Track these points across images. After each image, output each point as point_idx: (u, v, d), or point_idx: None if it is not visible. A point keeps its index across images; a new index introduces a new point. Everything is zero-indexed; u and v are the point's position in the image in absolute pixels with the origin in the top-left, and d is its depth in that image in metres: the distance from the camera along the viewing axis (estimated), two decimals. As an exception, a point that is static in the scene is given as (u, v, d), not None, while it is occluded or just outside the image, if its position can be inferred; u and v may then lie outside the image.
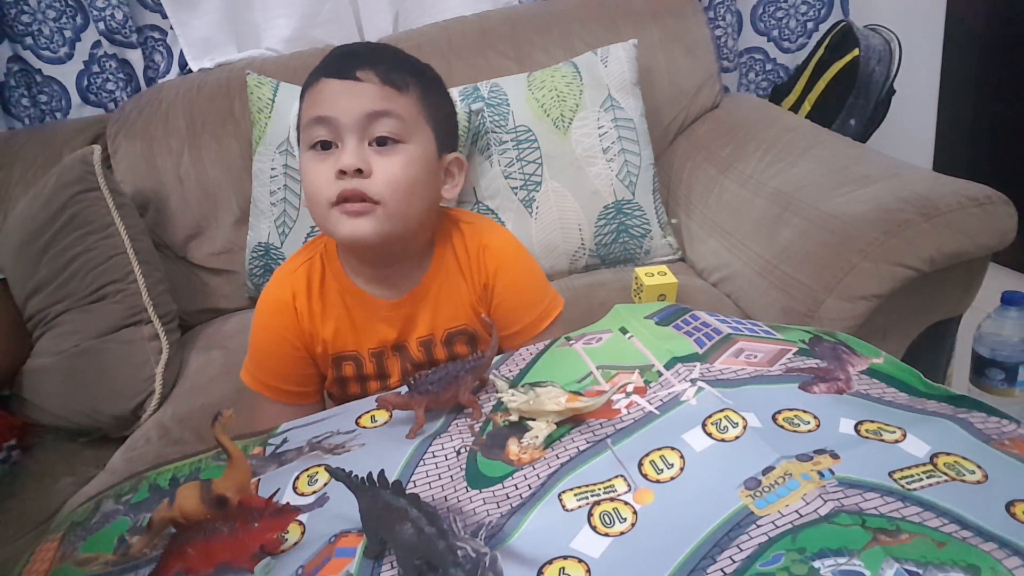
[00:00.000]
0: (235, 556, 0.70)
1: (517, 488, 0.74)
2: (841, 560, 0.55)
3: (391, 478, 0.68)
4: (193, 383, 1.55)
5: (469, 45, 1.91)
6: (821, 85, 2.05)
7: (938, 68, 2.39)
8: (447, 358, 1.13)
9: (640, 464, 0.72)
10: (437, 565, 0.63)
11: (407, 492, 0.66)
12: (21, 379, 1.53)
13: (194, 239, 1.88)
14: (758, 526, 0.61)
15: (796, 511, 0.61)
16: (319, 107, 1.00)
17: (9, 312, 1.57)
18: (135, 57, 2.08)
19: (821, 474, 0.65)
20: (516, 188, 1.70)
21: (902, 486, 0.63)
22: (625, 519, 0.66)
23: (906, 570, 0.53)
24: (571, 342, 1.01)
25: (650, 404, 0.81)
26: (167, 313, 1.61)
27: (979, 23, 2.30)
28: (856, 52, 1.99)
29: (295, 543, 0.72)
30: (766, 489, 0.64)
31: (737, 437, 0.72)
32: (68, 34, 2.07)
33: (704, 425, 0.74)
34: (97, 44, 2.06)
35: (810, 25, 2.19)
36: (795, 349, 0.88)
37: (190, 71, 2.07)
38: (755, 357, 0.87)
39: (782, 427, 0.73)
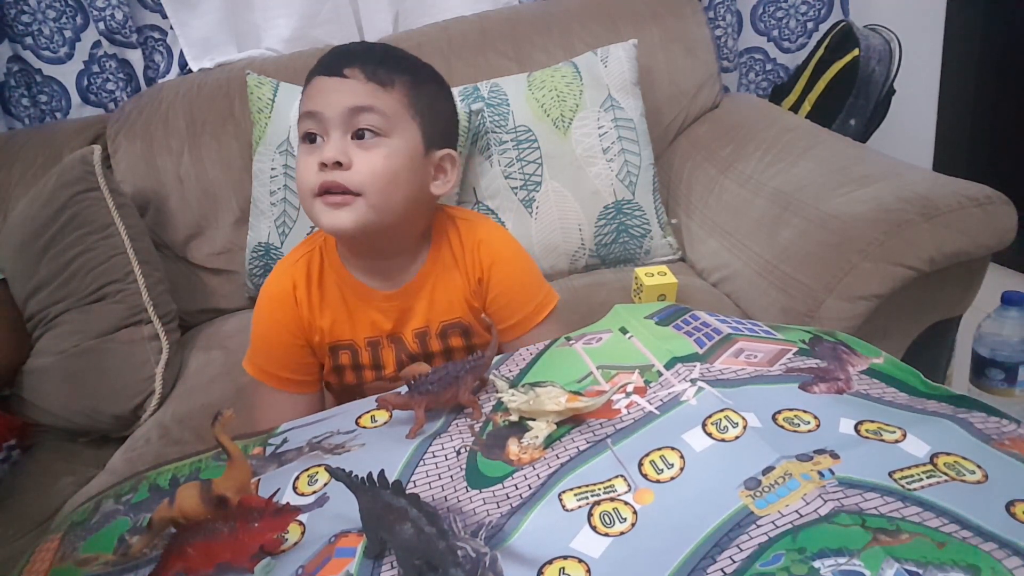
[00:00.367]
0: (235, 556, 0.70)
1: (517, 488, 0.74)
2: (841, 560, 0.55)
3: (391, 478, 0.68)
4: (193, 383, 1.55)
5: (469, 45, 1.91)
6: (821, 85, 2.05)
7: (938, 68, 2.39)
8: (441, 350, 1.15)
9: (640, 464, 0.72)
10: (437, 565, 0.63)
11: (407, 492, 0.66)
12: (21, 379, 1.53)
13: (194, 239, 1.88)
14: (758, 526, 0.61)
15: (796, 511, 0.61)
16: (308, 102, 1.05)
17: (9, 312, 1.57)
18: (135, 57, 2.08)
19: (821, 474, 0.65)
20: (516, 188, 1.70)
21: (902, 486, 0.63)
22: (625, 519, 0.66)
23: (906, 570, 0.53)
24: (571, 342, 1.01)
25: (650, 404, 0.81)
26: (167, 313, 1.61)
27: (979, 23, 2.30)
28: (856, 52, 1.99)
29: (295, 543, 0.72)
30: (766, 489, 0.64)
31: (737, 437, 0.72)
32: (68, 34, 2.07)
33: (704, 425, 0.74)
34: (97, 44, 2.06)
35: (810, 25, 2.19)
36: (795, 349, 0.88)
37: (190, 71, 2.07)
38: (755, 357, 0.87)
39: (782, 427, 0.73)
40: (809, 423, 0.73)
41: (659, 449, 0.73)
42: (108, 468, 1.37)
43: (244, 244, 1.82)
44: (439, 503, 0.74)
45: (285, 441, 0.91)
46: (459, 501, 0.74)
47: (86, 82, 2.13)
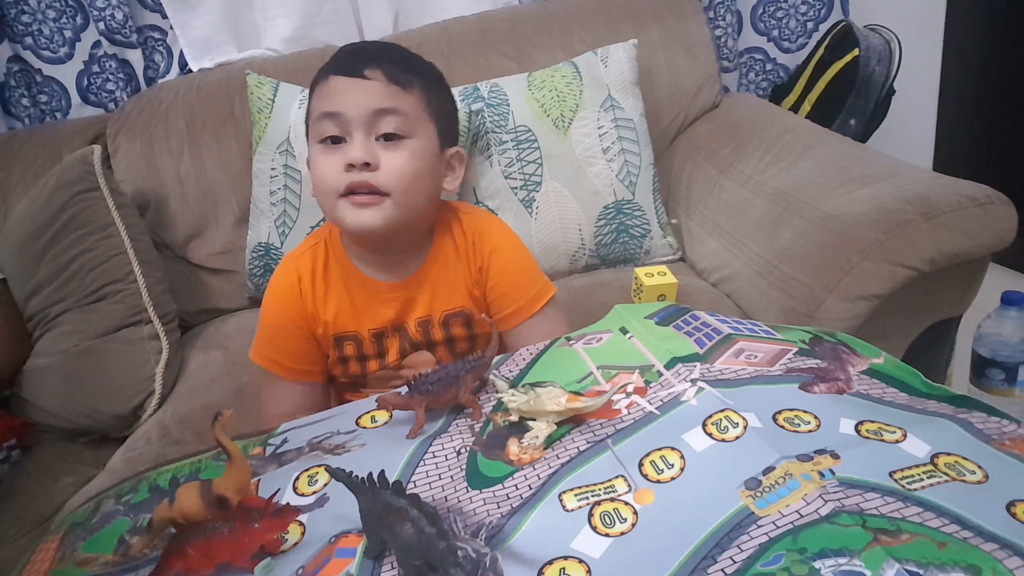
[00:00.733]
0: (235, 556, 0.70)
1: (517, 488, 0.74)
2: (842, 560, 0.55)
3: (391, 478, 0.68)
4: (193, 383, 1.54)
5: (469, 45, 1.90)
6: (821, 85, 2.05)
7: (938, 68, 2.39)
8: (444, 339, 1.16)
9: (640, 464, 0.72)
10: (437, 566, 0.63)
11: (407, 492, 0.66)
12: (21, 379, 1.52)
13: (194, 239, 1.87)
14: (759, 526, 0.61)
15: (797, 511, 0.61)
16: (328, 103, 1.06)
17: (9, 313, 1.57)
18: (135, 57, 2.08)
19: (822, 474, 0.65)
20: (516, 188, 1.70)
21: (903, 486, 0.63)
22: (625, 519, 0.66)
23: (907, 570, 0.53)
24: (571, 342, 1.01)
25: (650, 404, 0.81)
26: (167, 313, 1.61)
27: (979, 23, 2.29)
28: (856, 52, 1.99)
29: (295, 543, 0.72)
30: (766, 489, 0.64)
31: (737, 437, 0.72)
32: (68, 34, 2.07)
33: (704, 425, 0.74)
34: (97, 44, 2.05)
35: (810, 25, 2.18)
36: (795, 349, 0.88)
37: (190, 71, 2.07)
38: (755, 357, 0.87)
39: (782, 427, 0.73)
40: (809, 423, 0.73)
41: (659, 449, 0.73)
42: (108, 468, 1.37)
43: (244, 244, 1.82)
44: (439, 503, 0.74)
45: (285, 441, 0.91)
46: (459, 501, 0.74)
47: (86, 82, 2.13)
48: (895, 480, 0.64)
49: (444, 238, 1.16)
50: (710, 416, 0.75)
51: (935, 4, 2.32)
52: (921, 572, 0.53)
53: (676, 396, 0.81)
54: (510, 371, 0.97)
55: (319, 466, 0.83)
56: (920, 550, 0.55)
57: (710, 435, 0.73)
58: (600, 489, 0.70)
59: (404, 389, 0.89)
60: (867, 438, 0.70)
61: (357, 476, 0.69)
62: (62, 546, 0.81)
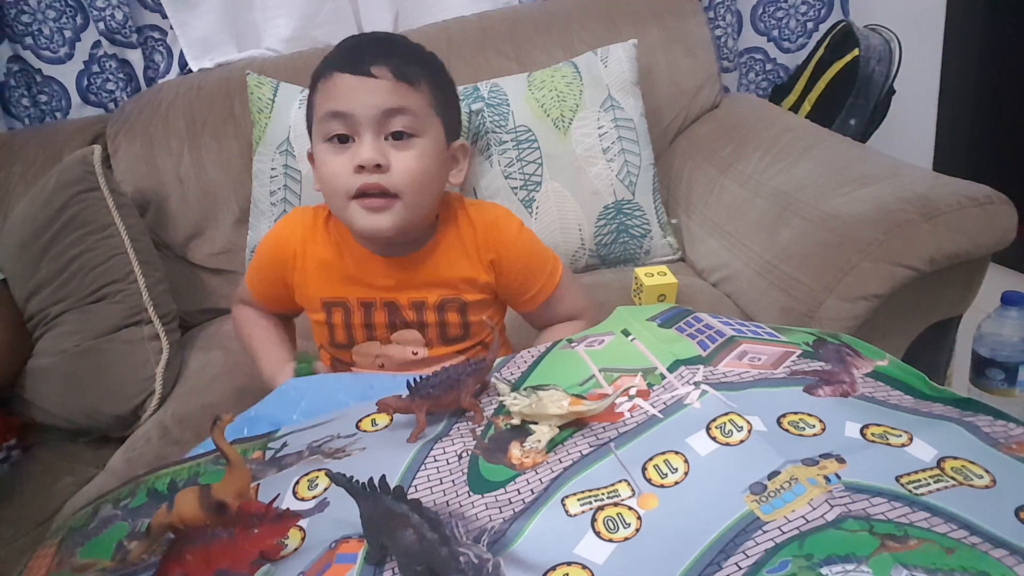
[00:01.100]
0: (234, 562, 0.70)
1: (520, 493, 0.73)
2: (849, 567, 0.54)
3: (392, 483, 0.67)
4: (193, 383, 1.54)
5: (469, 45, 1.90)
6: (821, 85, 2.05)
7: (938, 68, 2.38)
8: (437, 323, 1.15)
9: (644, 468, 0.72)
10: (439, 571, 0.63)
11: (408, 497, 0.66)
12: (22, 379, 1.52)
13: (194, 239, 1.87)
14: (764, 532, 0.60)
15: (803, 516, 0.61)
16: (335, 102, 1.04)
17: (9, 313, 1.56)
18: (135, 57, 2.08)
19: (827, 479, 0.64)
20: (516, 188, 1.70)
21: (909, 491, 0.62)
22: (629, 524, 0.66)
23: (914, 577, 0.53)
24: (573, 344, 1.00)
25: (653, 407, 0.81)
26: (167, 313, 1.61)
27: (979, 23, 2.29)
28: (856, 52, 1.99)
29: (295, 549, 0.72)
30: (772, 494, 0.64)
31: (742, 441, 0.71)
32: (68, 34, 2.07)
33: (708, 429, 0.74)
34: (97, 44, 2.05)
35: (810, 25, 2.18)
36: (799, 351, 0.88)
37: (190, 71, 2.07)
38: (759, 360, 0.86)
39: (787, 431, 0.72)
40: (814, 427, 0.72)
41: (663, 453, 0.73)
42: (108, 468, 1.36)
43: (244, 244, 1.81)
44: (441, 508, 0.73)
45: (285, 445, 0.90)
46: (461, 506, 0.73)
47: (86, 82, 2.12)
48: (902, 485, 0.63)
49: (448, 227, 1.16)
50: (714, 419, 0.75)
51: (935, 4, 2.32)
52: (929, 579, 0.53)
53: (679, 399, 0.81)
54: (512, 374, 0.97)
55: (319, 470, 0.82)
56: (928, 556, 0.54)
57: (714, 439, 0.72)
58: (603, 494, 0.70)
59: (404, 392, 0.88)
60: (873, 442, 0.69)
61: (358, 481, 0.69)
62: (59, 552, 0.80)
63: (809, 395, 0.78)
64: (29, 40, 2.07)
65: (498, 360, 1.00)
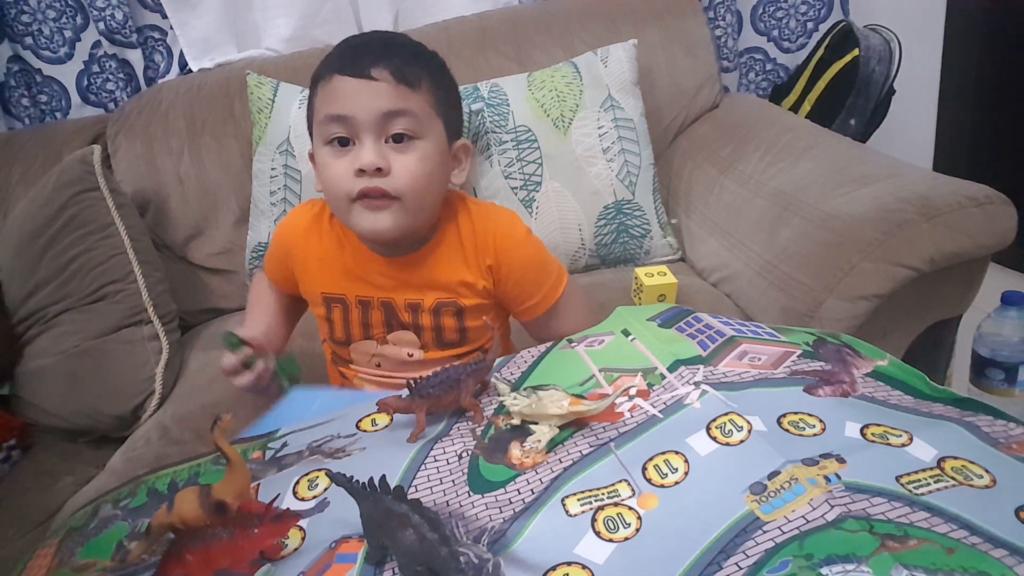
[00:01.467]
0: (235, 562, 0.70)
1: (520, 493, 0.73)
2: (849, 567, 0.54)
3: (392, 483, 0.67)
4: (193, 383, 1.54)
5: (469, 45, 1.90)
6: (821, 85, 2.05)
7: (938, 68, 2.38)
8: (432, 326, 1.15)
9: (644, 468, 0.72)
10: (439, 571, 0.63)
11: (409, 497, 0.66)
12: (21, 379, 1.52)
13: (194, 239, 1.87)
14: (764, 532, 0.60)
15: (803, 516, 0.61)
16: (335, 105, 1.04)
17: None
18: (135, 57, 2.08)
19: (827, 479, 0.64)
20: (516, 188, 1.70)
21: (909, 491, 0.62)
22: (629, 524, 0.66)
23: (915, 577, 0.53)
24: (573, 344, 1.00)
25: (653, 407, 0.81)
26: (167, 313, 1.61)
27: (979, 23, 2.29)
28: (856, 52, 1.99)
29: (295, 549, 0.72)
30: (772, 494, 0.64)
31: (742, 441, 0.71)
32: (68, 34, 2.07)
33: (708, 429, 0.74)
34: (97, 44, 2.05)
35: (810, 25, 2.18)
36: (799, 351, 0.88)
37: (190, 71, 2.07)
38: (759, 360, 0.87)
39: (787, 431, 0.72)
40: (814, 427, 0.72)
41: (663, 453, 0.73)
42: (108, 468, 1.36)
43: (244, 244, 1.81)
44: (441, 508, 0.73)
45: (285, 445, 0.90)
46: (461, 506, 0.73)
47: (86, 82, 2.12)
48: (902, 485, 0.63)
49: (449, 227, 1.15)
50: (714, 419, 0.75)
51: (935, 4, 2.32)
52: (929, 579, 0.53)
53: (679, 399, 0.81)
54: (512, 374, 0.97)
55: (319, 470, 0.82)
56: (929, 556, 0.54)
57: (714, 439, 0.72)
58: (603, 494, 0.70)
59: (405, 392, 0.88)
60: (873, 442, 0.69)
61: (358, 481, 0.69)
62: (59, 552, 0.80)
63: (809, 395, 0.78)
64: (29, 40, 2.07)
65: (498, 360, 1.00)
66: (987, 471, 0.65)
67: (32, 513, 1.31)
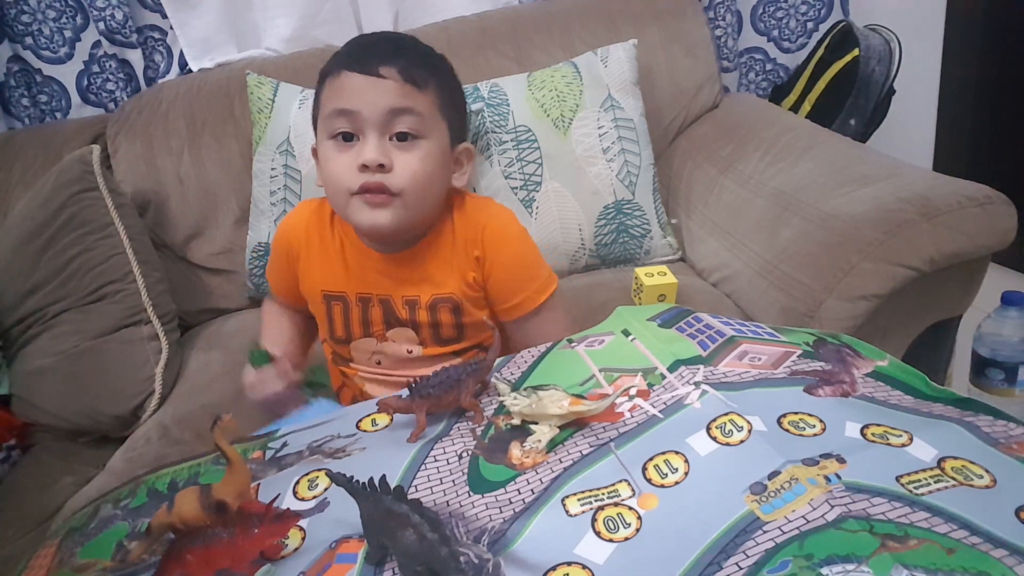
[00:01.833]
0: (235, 562, 0.70)
1: (520, 493, 0.73)
2: (849, 567, 0.54)
3: (392, 483, 0.67)
4: (193, 383, 1.54)
5: (469, 45, 1.90)
6: (821, 85, 2.05)
7: (938, 68, 2.38)
8: (429, 322, 1.15)
9: (644, 468, 0.72)
10: (439, 571, 0.63)
11: (409, 497, 0.66)
12: (21, 379, 1.52)
13: (194, 239, 1.87)
14: (764, 532, 0.60)
15: (803, 516, 0.61)
16: (341, 100, 1.05)
17: None
18: (135, 57, 2.08)
19: (828, 479, 0.64)
20: (516, 188, 1.70)
21: (910, 491, 0.62)
22: (629, 524, 0.66)
23: (915, 577, 0.53)
24: (573, 344, 1.00)
25: (653, 407, 0.81)
26: (167, 313, 1.61)
27: (979, 23, 2.29)
28: (856, 52, 1.99)
29: (295, 549, 0.72)
30: (772, 494, 0.64)
31: (742, 441, 0.71)
32: (68, 34, 2.07)
33: (708, 429, 0.74)
34: (97, 44, 2.05)
35: (810, 25, 2.18)
36: (799, 351, 0.88)
37: (190, 71, 2.07)
38: (759, 360, 0.86)
39: (788, 431, 0.72)
40: (815, 427, 0.72)
41: (663, 453, 0.73)
42: (108, 468, 1.36)
43: (244, 244, 1.81)
44: (441, 508, 0.73)
45: (285, 445, 0.90)
46: (461, 506, 0.73)
47: (86, 82, 2.12)
48: (902, 485, 0.63)
49: (444, 222, 1.16)
50: (714, 419, 0.75)
51: (935, 4, 2.32)
52: (930, 579, 0.53)
53: (679, 399, 0.81)
54: (512, 374, 0.97)
55: (319, 470, 0.82)
56: (929, 556, 0.54)
57: (714, 439, 0.72)
58: (603, 494, 0.70)
59: (405, 392, 0.88)
60: (873, 442, 0.69)
61: (358, 481, 0.69)
62: (59, 551, 0.80)
63: (809, 395, 0.78)
64: (29, 40, 2.07)
65: (498, 360, 1.00)
66: (987, 471, 0.65)
67: (32, 513, 1.31)
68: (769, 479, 0.65)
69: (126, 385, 1.50)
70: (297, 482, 0.81)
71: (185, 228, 1.86)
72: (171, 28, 2.06)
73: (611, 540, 0.65)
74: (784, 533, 0.60)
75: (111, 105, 2.13)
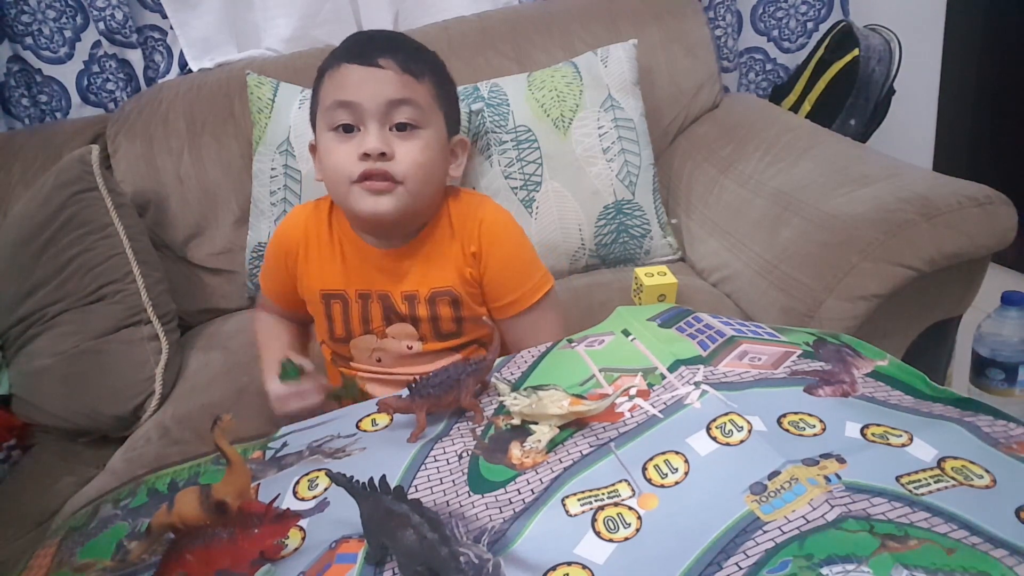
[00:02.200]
0: (235, 562, 0.70)
1: (520, 493, 0.73)
2: (849, 567, 0.54)
3: (392, 483, 0.67)
4: (193, 383, 1.54)
5: (469, 45, 1.90)
6: (821, 85, 2.05)
7: (938, 68, 2.38)
8: (429, 317, 1.16)
9: (644, 468, 0.72)
10: (439, 571, 0.63)
11: (409, 497, 0.66)
12: (21, 379, 1.52)
13: (194, 239, 1.87)
14: (764, 532, 0.60)
15: (803, 516, 0.61)
16: (342, 92, 1.07)
17: None
18: (135, 57, 2.08)
19: (828, 479, 0.64)
20: (516, 188, 1.70)
21: (910, 491, 0.62)
22: (629, 524, 0.66)
23: (915, 577, 0.53)
24: (573, 344, 1.00)
25: (653, 407, 0.81)
26: (166, 313, 1.60)
27: (979, 23, 2.29)
28: (856, 52, 1.99)
29: (295, 549, 0.72)
30: (772, 494, 0.64)
31: (742, 441, 0.71)
32: (68, 34, 2.07)
33: (708, 429, 0.74)
34: (97, 44, 2.05)
35: (810, 25, 2.18)
36: (799, 351, 0.88)
37: (190, 71, 2.07)
38: (759, 360, 0.87)
39: (787, 431, 0.72)
40: (815, 427, 0.72)
41: (663, 453, 0.73)
42: (108, 468, 1.36)
43: (244, 244, 1.81)
44: (441, 508, 0.73)
45: (285, 445, 0.90)
46: (461, 506, 0.73)
47: (86, 82, 2.12)
48: (902, 485, 0.63)
49: (441, 217, 1.17)
50: (714, 419, 0.75)
51: (935, 4, 2.32)
52: (930, 579, 0.53)
53: (679, 399, 0.81)
54: (512, 374, 0.97)
55: (319, 470, 0.82)
56: (929, 556, 0.54)
57: (714, 439, 0.73)
58: (603, 494, 0.70)
59: (405, 392, 0.89)
60: (873, 442, 0.69)
61: (358, 481, 0.69)
62: (59, 551, 0.80)
63: (809, 395, 0.78)
64: (29, 40, 2.07)
65: (498, 360, 1.00)
66: (987, 471, 0.65)
67: (32, 513, 1.31)
68: (769, 479, 0.66)
69: (126, 385, 1.50)
70: (297, 482, 0.81)
71: (185, 228, 1.86)
72: (171, 28, 2.05)
73: (611, 540, 0.65)
74: (784, 533, 0.60)
75: (111, 105, 2.13)
